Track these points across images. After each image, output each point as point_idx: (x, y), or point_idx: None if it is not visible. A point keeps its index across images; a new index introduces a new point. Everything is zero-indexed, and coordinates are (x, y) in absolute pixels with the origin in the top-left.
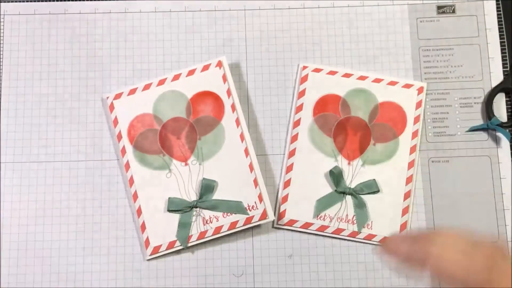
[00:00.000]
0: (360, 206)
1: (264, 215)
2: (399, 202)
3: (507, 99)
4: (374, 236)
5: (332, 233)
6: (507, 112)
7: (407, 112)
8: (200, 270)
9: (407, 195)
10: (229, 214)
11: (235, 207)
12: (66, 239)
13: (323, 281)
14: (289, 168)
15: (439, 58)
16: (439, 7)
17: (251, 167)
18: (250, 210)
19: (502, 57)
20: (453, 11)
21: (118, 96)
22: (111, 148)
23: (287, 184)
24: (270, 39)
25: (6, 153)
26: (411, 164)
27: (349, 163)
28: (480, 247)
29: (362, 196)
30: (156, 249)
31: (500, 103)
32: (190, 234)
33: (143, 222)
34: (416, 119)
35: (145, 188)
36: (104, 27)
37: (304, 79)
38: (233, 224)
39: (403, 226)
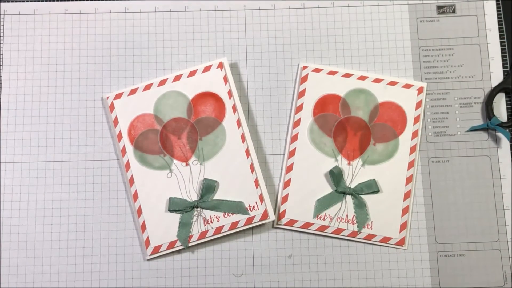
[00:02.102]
0: (360, 206)
1: (265, 215)
2: (399, 202)
3: (507, 99)
4: (374, 236)
5: (332, 233)
6: (507, 112)
7: (407, 112)
8: (200, 270)
9: (407, 195)
10: (230, 214)
11: (236, 207)
12: (66, 239)
13: (323, 281)
14: (289, 168)
15: (439, 58)
16: (439, 7)
17: (252, 168)
18: (251, 210)
19: (502, 57)
20: (453, 11)
21: (118, 96)
22: (111, 148)
23: (287, 184)
24: (270, 39)
25: (6, 153)
26: (411, 164)
27: (349, 163)
28: None
29: (362, 196)
30: (157, 249)
31: (500, 103)
32: (190, 234)
33: (143, 222)
34: (416, 119)
35: (146, 188)
36: (104, 27)
37: (304, 79)
38: (234, 224)
39: (403, 226)
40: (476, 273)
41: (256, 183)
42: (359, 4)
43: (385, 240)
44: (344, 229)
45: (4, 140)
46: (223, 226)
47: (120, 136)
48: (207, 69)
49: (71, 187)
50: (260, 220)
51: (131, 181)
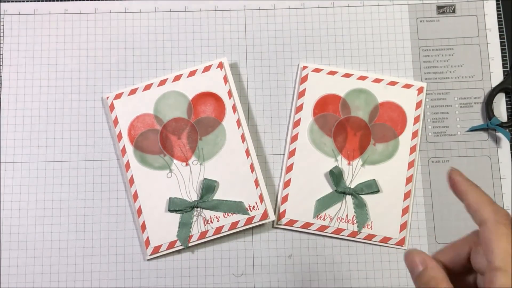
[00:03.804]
0: (360, 206)
1: (265, 215)
2: (399, 202)
3: (507, 99)
4: (374, 236)
5: (332, 233)
6: (507, 112)
7: (407, 112)
8: (200, 270)
9: (407, 195)
10: (230, 214)
11: (236, 207)
12: (66, 239)
13: (323, 281)
14: (289, 168)
15: (439, 58)
16: (439, 7)
17: (252, 168)
18: (251, 210)
19: (502, 57)
20: (453, 11)
21: (118, 96)
22: (111, 148)
23: (287, 184)
24: (270, 39)
25: (6, 153)
26: (411, 164)
27: (349, 163)
28: None
29: (362, 196)
30: (157, 249)
31: (500, 103)
32: (190, 234)
33: (143, 222)
34: (416, 119)
35: (146, 188)
36: (104, 27)
37: (304, 79)
38: (234, 224)
39: (403, 226)
40: None
41: (256, 183)
42: (359, 4)
43: (385, 240)
44: (344, 229)
45: (4, 140)
46: (223, 226)
47: (120, 136)
48: (207, 69)
49: (71, 187)
50: (260, 220)
51: (131, 181)
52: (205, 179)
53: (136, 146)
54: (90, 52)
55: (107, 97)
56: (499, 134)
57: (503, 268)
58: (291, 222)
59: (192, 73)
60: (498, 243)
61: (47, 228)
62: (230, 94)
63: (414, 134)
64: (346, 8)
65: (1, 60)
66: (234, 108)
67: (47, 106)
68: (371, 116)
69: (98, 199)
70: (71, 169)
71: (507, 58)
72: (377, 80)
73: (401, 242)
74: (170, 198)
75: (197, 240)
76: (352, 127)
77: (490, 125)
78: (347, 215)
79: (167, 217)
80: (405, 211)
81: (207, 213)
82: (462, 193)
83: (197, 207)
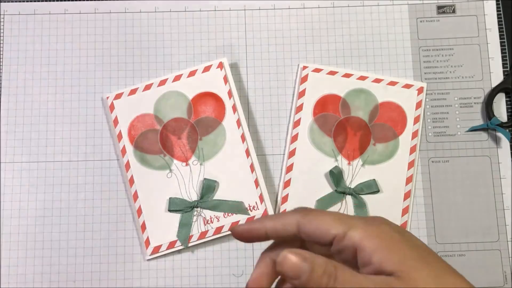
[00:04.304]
0: (360, 206)
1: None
2: (399, 202)
3: (507, 99)
4: None
5: None
6: (507, 112)
7: (407, 112)
8: (200, 270)
9: (407, 195)
10: (230, 214)
11: (236, 207)
12: (66, 239)
13: None
14: (289, 168)
15: (439, 58)
16: (439, 7)
17: (252, 168)
18: (251, 211)
19: (502, 57)
20: (453, 11)
21: (118, 96)
22: (111, 148)
23: (287, 184)
24: (270, 39)
25: (6, 153)
26: (411, 164)
27: (349, 163)
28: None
29: (362, 196)
30: (156, 249)
31: (500, 103)
32: (190, 234)
33: (143, 222)
34: (416, 119)
35: (146, 188)
36: (104, 27)
37: (304, 79)
38: (234, 224)
39: (403, 226)
40: (476, 273)
41: (256, 183)
42: (359, 4)
43: None
44: None
45: (4, 140)
46: (223, 226)
47: (120, 136)
48: (207, 69)
49: (71, 187)
50: None
51: (131, 181)
52: (205, 179)
53: (136, 146)
54: (90, 52)
55: (107, 97)
56: (499, 134)
57: (350, 228)
58: None
59: (192, 73)
60: (324, 224)
61: (47, 228)
62: (230, 94)
63: (414, 134)
64: (346, 8)
65: (1, 60)
66: (234, 108)
67: (47, 106)
68: (371, 116)
69: (98, 199)
70: (71, 169)
71: (507, 58)
72: (377, 80)
73: None
74: (170, 198)
75: (197, 240)
76: (352, 127)
77: (490, 125)
78: None
79: (167, 217)
80: (405, 211)
81: (207, 213)
82: (259, 230)
83: (197, 207)
